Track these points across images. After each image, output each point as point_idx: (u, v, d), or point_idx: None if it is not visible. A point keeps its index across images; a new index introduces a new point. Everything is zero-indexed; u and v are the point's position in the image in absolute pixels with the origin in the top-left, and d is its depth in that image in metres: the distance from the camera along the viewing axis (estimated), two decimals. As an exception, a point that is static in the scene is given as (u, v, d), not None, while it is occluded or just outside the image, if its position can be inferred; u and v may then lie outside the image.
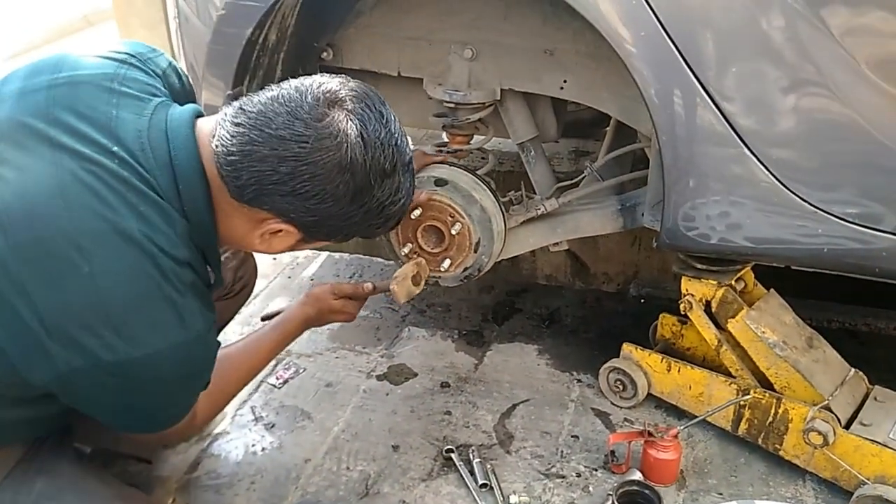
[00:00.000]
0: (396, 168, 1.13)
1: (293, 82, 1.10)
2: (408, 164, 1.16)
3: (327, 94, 1.08)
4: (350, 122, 1.07)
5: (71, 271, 1.00)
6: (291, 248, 1.22)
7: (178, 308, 1.06)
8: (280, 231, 1.13)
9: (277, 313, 1.56)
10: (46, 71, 1.12)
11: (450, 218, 1.61)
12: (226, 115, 1.09)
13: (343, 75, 1.13)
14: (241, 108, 1.08)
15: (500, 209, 1.68)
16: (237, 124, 1.06)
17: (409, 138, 1.19)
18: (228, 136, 1.06)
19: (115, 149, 1.05)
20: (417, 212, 1.60)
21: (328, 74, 1.13)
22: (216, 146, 1.07)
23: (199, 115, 1.15)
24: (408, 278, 1.56)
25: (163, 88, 1.18)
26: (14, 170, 1.03)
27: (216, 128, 1.09)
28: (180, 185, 1.08)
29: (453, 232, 1.61)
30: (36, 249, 1.00)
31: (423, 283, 1.61)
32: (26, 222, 1.01)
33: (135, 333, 1.03)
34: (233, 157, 1.06)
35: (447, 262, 1.65)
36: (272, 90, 1.09)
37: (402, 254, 1.66)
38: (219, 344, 1.22)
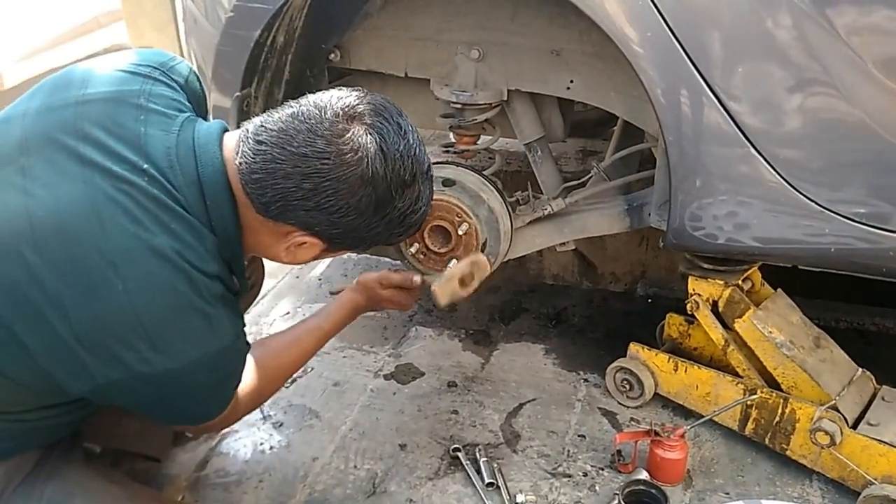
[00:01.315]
0: (416, 178, 1.16)
1: (312, 98, 1.13)
2: (426, 172, 1.19)
3: (346, 109, 1.10)
4: (370, 136, 1.09)
5: (106, 288, 1.02)
6: (316, 258, 1.24)
7: (209, 319, 1.09)
8: (305, 243, 1.16)
9: (343, 289, 1.57)
10: (72, 87, 1.13)
11: (457, 218, 1.61)
12: (248, 131, 1.11)
13: (360, 88, 1.15)
14: (262, 126, 1.10)
15: (507, 209, 1.68)
16: (259, 142, 1.09)
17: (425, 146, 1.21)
18: (251, 154, 1.09)
19: (146, 166, 1.07)
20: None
21: (346, 88, 1.15)
22: (240, 164, 1.10)
23: (225, 129, 1.17)
24: (454, 279, 1.50)
25: (187, 102, 1.20)
26: (45, 186, 1.05)
27: (239, 145, 1.11)
28: (208, 202, 1.11)
29: (460, 232, 1.61)
30: (71, 267, 1.02)
31: (475, 283, 1.53)
32: (60, 240, 1.03)
33: (169, 346, 1.06)
34: (257, 175, 1.09)
35: (453, 263, 1.65)
36: (291, 107, 1.12)
37: (409, 254, 1.66)
38: (248, 346, 1.25)
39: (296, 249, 1.17)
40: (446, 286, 1.49)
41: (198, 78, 1.28)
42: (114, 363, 1.04)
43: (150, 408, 1.18)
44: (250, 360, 1.32)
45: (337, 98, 1.11)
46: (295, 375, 2.01)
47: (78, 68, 1.18)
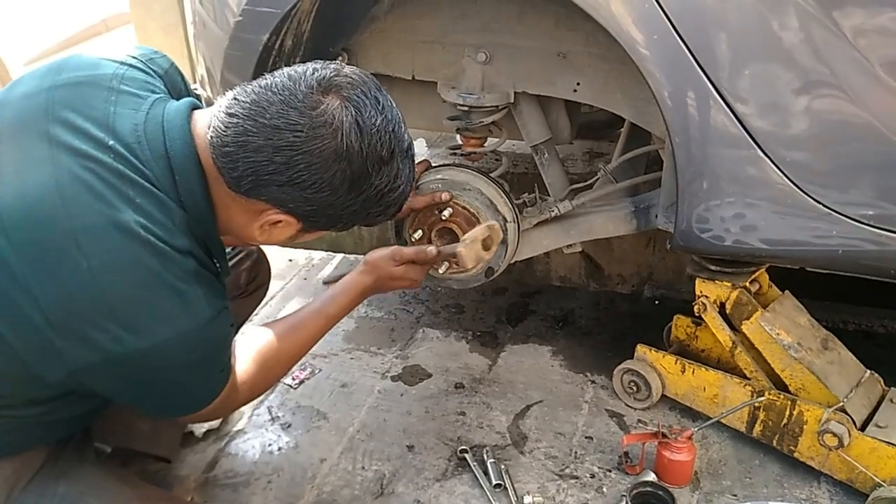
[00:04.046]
0: (394, 154, 1.12)
1: (287, 70, 1.09)
2: (406, 150, 1.15)
3: (321, 82, 1.06)
4: (345, 110, 1.06)
5: (72, 268, 1.00)
6: (293, 239, 1.21)
7: (181, 296, 1.06)
8: (279, 222, 1.13)
9: (340, 277, 1.51)
10: (49, 74, 1.13)
11: (469, 225, 1.61)
12: (220, 105, 1.09)
13: (338, 62, 1.12)
14: (234, 98, 1.08)
15: (514, 212, 1.68)
16: (231, 115, 1.06)
17: (407, 126, 1.16)
18: (223, 127, 1.06)
19: (112, 143, 1.05)
20: (448, 212, 1.60)
21: (322, 61, 1.12)
22: (211, 137, 1.07)
23: (196, 107, 1.15)
24: (478, 241, 1.48)
25: (163, 87, 1.19)
26: (14, 171, 1.05)
27: (211, 119, 1.09)
28: (176, 176, 1.08)
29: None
30: (37, 248, 1.01)
31: (494, 247, 1.52)
32: (26, 222, 1.02)
33: (140, 325, 1.03)
34: (228, 148, 1.06)
35: (445, 266, 1.63)
36: (266, 79, 1.09)
37: (414, 239, 1.64)
38: (233, 329, 1.21)
39: (270, 228, 1.14)
40: (471, 248, 1.47)
41: (180, 73, 1.27)
42: (85, 345, 1.02)
43: (131, 395, 1.15)
44: (250, 347, 1.29)
45: (312, 70, 1.08)
46: (302, 377, 2.03)
47: (59, 59, 1.18)
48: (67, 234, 1.01)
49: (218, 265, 1.19)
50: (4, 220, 1.02)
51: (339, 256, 2.63)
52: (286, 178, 1.06)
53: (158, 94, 1.16)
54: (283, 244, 1.23)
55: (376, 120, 1.08)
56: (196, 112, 1.14)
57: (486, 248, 1.50)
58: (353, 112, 1.06)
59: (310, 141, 1.04)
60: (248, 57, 1.58)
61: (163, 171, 1.07)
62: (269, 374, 1.35)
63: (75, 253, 1.00)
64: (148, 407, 1.22)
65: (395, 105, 1.13)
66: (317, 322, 1.42)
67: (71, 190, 1.02)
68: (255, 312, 1.95)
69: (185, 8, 1.90)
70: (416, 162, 1.64)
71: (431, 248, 1.47)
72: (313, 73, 1.08)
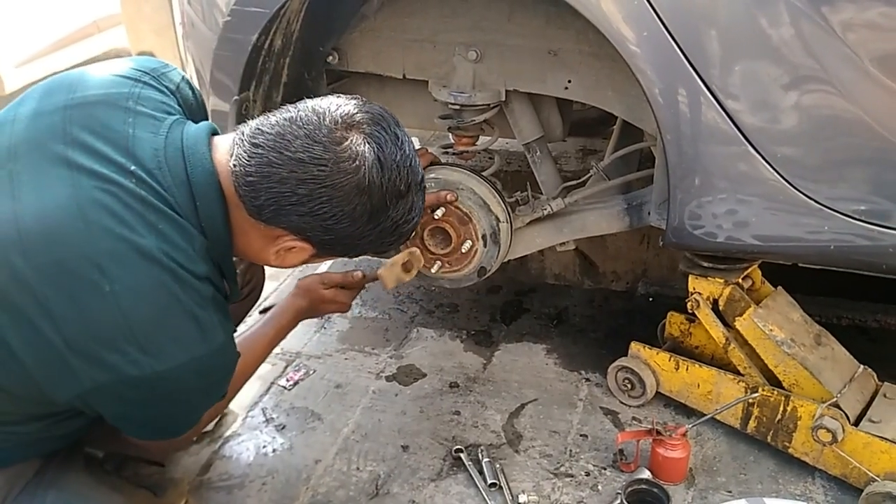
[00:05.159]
0: (411, 188, 1.15)
1: (310, 103, 1.12)
2: (420, 183, 1.19)
3: (345, 117, 1.09)
4: (367, 146, 1.09)
5: (93, 291, 1.01)
6: (304, 262, 1.24)
7: (199, 322, 1.08)
8: (294, 247, 1.15)
9: (273, 306, 1.57)
10: (61, 92, 1.13)
11: (463, 229, 1.62)
12: (243, 134, 1.11)
13: (358, 96, 1.15)
14: (258, 129, 1.10)
15: (507, 212, 1.68)
16: (255, 145, 1.08)
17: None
18: (247, 157, 1.08)
19: (133, 168, 1.06)
20: (440, 211, 1.62)
21: (344, 96, 1.15)
22: (234, 165, 1.09)
23: (214, 131, 1.17)
24: (398, 265, 1.57)
25: (177, 106, 1.20)
26: (32, 191, 1.05)
27: (233, 147, 1.10)
28: (198, 202, 1.10)
29: (463, 250, 1.65)
30: (57, 271, 1.02)
31: (414, 271, 1.61)
32: (46, 245, 1.02)
33: (158, 348, 1.05)
34: (251, 178, 1.08)
35: (437, 265, 1.65)
36: (289, 111, 1.11)
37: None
38: (238, 354, 1.24)
39: (285, 254, 1.17)
40: (391, 271, 1.56)
41: (190, 85, 1.28)
42: (102, 366, 1.03)
43: (132, 417, 1.16)
44: None
45: (336, 105, 1.11)
46: (297, 378, 2.03)
47: (68, 74, 1.18)
48: (90, 258, 1.02)
49: (229, 288, 1.21)
50: (25, 242, 1.02)
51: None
52: (307, 209, 1.08)
53: (174, 114, 1.17)
54: (295, 266, 1.27)
55: (396, 156, 1.12)
56: (215, 138, 1.15)
57: (406, 270, 1.58)
58: (375, 148, 1.10)
59: (333, 175, 1.07)
60: (237, 57, 1.58)
61: (184, 197, 1.09)
62: (226, 396, 1.37)
63: (97, 276, 1.01)
64: (144, 430, 1.22)
65: (411, 140, 1.17)
66: (262, 344, 1.49)
67: (93, 213, 1.03)
68: (249, 314, 1.95)
69: (174, 9, 1.89)
70: (421, 155, 1.67)
71: (357, 273, 1.58)
72: (337, 109, 1.10)
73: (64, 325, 1.01)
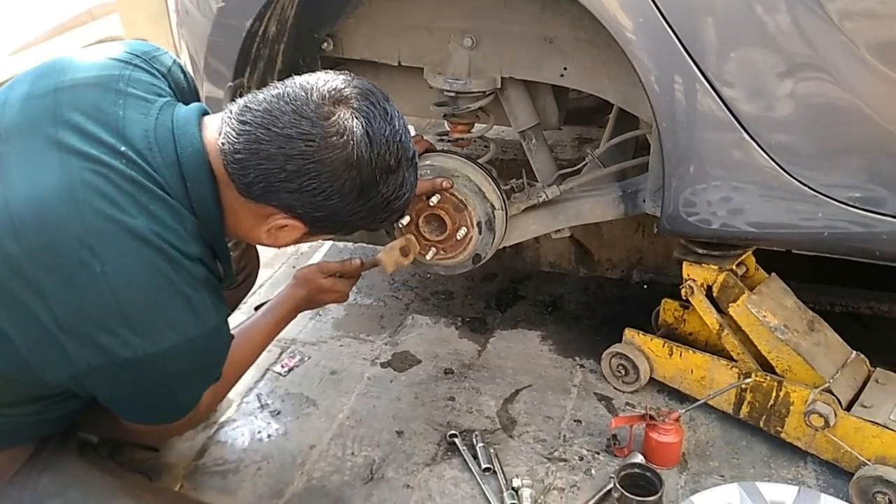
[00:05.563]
0: (401, 164, 1.14)
1: (298, 80, 1.11)
2: (411, 158, 1.18)
3: (332, 92, 1.09)
4: (356, 120, 1.08)
5: (84, 273, 1.01)
6: (297, 241, 1.23)
7: (191, 303, 1.08)
8: (286, 226, 1.15)
9: (266, 302, 1.57)
10: (52, 75, 1.13)
11: (458, 216, 1.62)
12: (231, 112, 1.10)
13: (347, 72, 1.14)
14: (246, 106, 1.09)
15: (503, 199, 1.68)
16: (243, 122, 1.07)
17: (410, 131, 1.20)
18: (234, 134, 1.07)
19: (123, 149, 1.06)
20: (436, 199, 1.61)
21: (332, 72, 1.14)
22: (222, 144, 1.09)
23: (205, 112, 1.16)
24: (396, 249, 1.57)
25: (168, 88, 1.20)
26: (23, 174, 1.05)
27: (222, 125, 1.10)
28: (188, 183, 1.09)
29: (458, 237, 1.64)
30: (49, 253, 1.02)
31: (411, 256, 1.61)
32: (38, 227, 1.02)
33: (151, 330, 1.05)
34: (240, 156, 1.07)
35: (432, 252, 1.65)
36: (277, 88, 1.10)
37: (401, 225, 1.66)
38: (232, 336, 1.24)
39: (277, 232, 1.16)
40: (390, 255, 1.56)
41: (181, 69, 1.27)
42: (95, 348, 1.03)
43: (127, 400, 1.16)
44: None
45: (323, 81, 1.10)
46: (292, 364, 2.03)
47: (59, 57, 1.17)
48: (81, 239, 1.01)
49: (223, 270, 1.21)
50: (17, 224, 1.02)
51: (328, 245, 2.62)
52: (296, 186, 1.08)
53: (165, 97, 1.16)
54: (288, 245, 1.26)
55: (385, 130, 1.11)
56: (205, 118, 1.15)
57: (404, 255, 1.59)
58: (364, 122, 1.09)
59: (322, 150, 1.06)
60: (231, 43, 1.57)
61: (174, 178, 1.08)
62: (222, 386, 1.38)
63: (89, 258, 1.01)
64: (135, 414, 1.22)
65: (401, 114, 1.16)
66: (261, 334, 1.50)
67: (84, 195, 1.02)
68: (244, 301, 1.95)
69: (168, -5, 1.88)
70: (415, 142, 1.66)
71: (356, 260, 1.58)
72: (324, 84, 1.09)
73: (56, 306, 1.01)
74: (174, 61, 1.26)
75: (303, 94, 1.08)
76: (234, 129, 1.08)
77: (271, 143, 1.06)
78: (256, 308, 1.60)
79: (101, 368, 1.05)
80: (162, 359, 1.06)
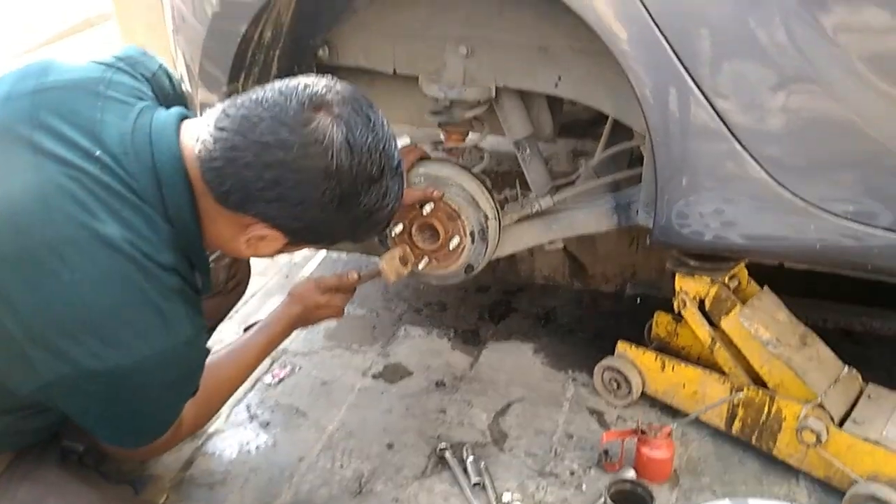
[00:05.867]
0: (384, 173, 1.10)
1: (277, 84, 1.07)
2: (395, 168, 1.13)
3: (313, 98, 1.04)
4: (336, 128, 1.03)
5: (53, 279, 0.98)
6: (279, 252, 1.20)
7: (163, 314, 1.04)
8: (266, 236, 1.11)
9: (256, 323, 1.53)
10: (33, 76, 1.10)
11: (451, 225, 1.61)
12: (209, 117, 1.07)
13: (329, 76, 1.11)
14: (224, 112, 1.05)
15: (496, 209, 1.68)
16: (220, 129, 1.04)
17: (397, 141, 1.16)
18: (211, 141, 1.04)
19: (98, 153, 1.03)
20: (429, 207, 1.60)
21: (314, 76, 1.10)
22: (199, 151, 1.05)
23: (185, 117, 1.13)
24: (395, 258, 1.54)
25: (150, 92, 1.17)
26: None
27: (199, 131, 1.07)
28: (163, 190, 1.06)
29: (450, 246, 1.64)
30: (18, 258, 0.99)
31: (410, 265, 1.58)
32: (9, 231, 0.99)
33: (120, 340, 1.01)
34: (216, 163, 1.04)
35: (425, 261, 1.64)
36: (256, 93, 1.06)
37: (394, 233, 1.64)
38: (208, 350, 1.20)
39: (257, 243, 1.12)
40: (391, 265, 1.53)
41: (168, 74, 1.25)
42: (61, 358, 1.00)
43: (97, 414, 1.11)
44: None
45: (304, 85, 1.06)
46: (282, 374, 2.01)
47: (41, 59, 1.15)
48: (50, 245, 0.99)
49: (200, 281, 1.17)
50: None
51: (321, 255, 2.61)
52: (275, 195, 1.04)
53: (146, 100, 1.13)
54: (270, 256, 1.22)
55: (367, 138, 1.06)
56: (185, 122, 1.11)
57: (403, 263, 1.56)
58: (344, 130, 1.04)
59: (300, 159, 1.02)
60: (226, 49, 1.57)
61: (149, 184, 1.05)
62: (209, 406, 1.36)
63: (57, 264, 0.98)
64: (111, 430, 1.17)
65: (386, 122, 1.11)
66: (253, 352, 1.45)
67: (55, 199, 1.00)
68: (235, 310, 1.93)
69: (164, 1, 1.88)
70: (408, 151, 1.65)
71: (353, 274, 1.53)
72: (305, 89, 1.05)
73: (23, 314, 0.99)
74: (160, 66, 1.23)
75: (282, 99, 1.03)
76: (211, 136, 1.04)
77: (248, 150, 1.02)
78: (246, 329, 1.56)
79: (68, 379, 1.02)
80: (131, 371, 1.03)
